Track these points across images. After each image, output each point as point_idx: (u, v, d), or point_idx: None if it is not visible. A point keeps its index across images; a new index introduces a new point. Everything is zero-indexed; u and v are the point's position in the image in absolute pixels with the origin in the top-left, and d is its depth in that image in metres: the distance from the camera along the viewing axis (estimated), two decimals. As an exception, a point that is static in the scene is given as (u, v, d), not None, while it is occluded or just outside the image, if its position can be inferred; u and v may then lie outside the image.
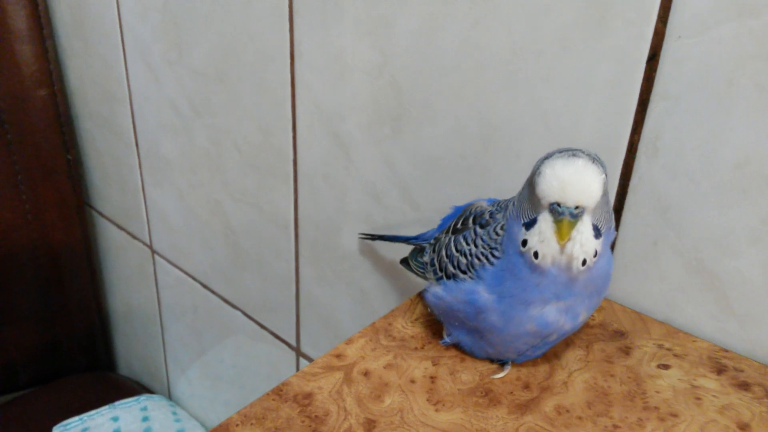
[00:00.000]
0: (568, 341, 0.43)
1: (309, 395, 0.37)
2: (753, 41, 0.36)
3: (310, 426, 0.35)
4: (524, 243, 0.34)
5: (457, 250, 0.39)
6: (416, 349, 0.42)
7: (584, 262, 0.33)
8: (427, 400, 0.37)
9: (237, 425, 0.35)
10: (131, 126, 0.90)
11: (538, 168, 0.33)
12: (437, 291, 0.40)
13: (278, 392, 0.37)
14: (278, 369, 0.84)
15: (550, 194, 0.32)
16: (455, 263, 0.39)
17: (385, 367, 0.40)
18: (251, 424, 0.35)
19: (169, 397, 1.14)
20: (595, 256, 0.33)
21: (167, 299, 1.02)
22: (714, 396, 0.38)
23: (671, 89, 0.40)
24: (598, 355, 0.41)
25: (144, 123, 0.87)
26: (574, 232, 0.32)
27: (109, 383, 1.14)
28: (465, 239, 0.38)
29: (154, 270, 1.01)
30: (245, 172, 0.74)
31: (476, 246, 0.37)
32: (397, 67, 0.53)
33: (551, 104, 0.45)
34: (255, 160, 0.72)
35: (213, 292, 0.90)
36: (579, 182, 0.32)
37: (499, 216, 0.37)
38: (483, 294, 0.36)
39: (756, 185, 0.39)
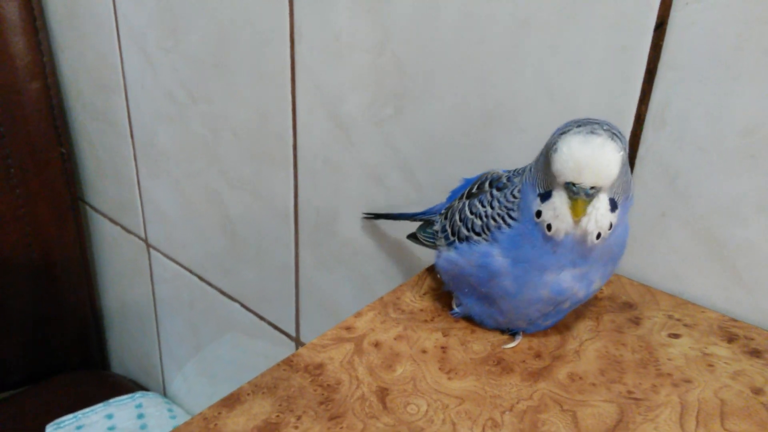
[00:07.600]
0: (578, 313, 0.42)
1: (320, 365, 0.37)
2: (761, 4, 0.36)
3: (322, 394, 0.34)
4: (538, 214, 0.33)
5: (471, 213, 0.38)
6: (426, 321, 0.41)
7: (599, 236, 0.33)
8: (440, 368, 0.37)
9: (248, 394, 0.34)
10: (126, 116, 0.89)
11: (555, 143, 0.32)
12: (450, 255, 0.39)
13: (289, 363, 0.37)
14: (277, 361, 0.84)
15: (566, 174, 0.31)
16: (469, 225, 0.38)
17: (395, 339, 0.39)
18: (262, 393, 0.34)
19: (165, 394, 1.13)
20: (610, 228, 0.33)
21: (163, 294, 1.01)
22: (726, 363, 0.38)
23: (679, 58, 0.40)
24: (608, 325, 0.41)
25: (139, 113, 0.86)
26: (589, 208, 0.32)
27: (103, 381, 1.13)
28: (480, 202, 0.38)
29: (149, 264, 1.00)
30: (243, 159, 0.73)
31: (492, 208, 0.37)
32: (399, 44, 0.53)
33: (556, 76, 0.45)
34: (253, 147, 0.71)
35: (210, 284, 0.89)
36: (596, 163, 0.30)
37: (516, 180, 0.37)
38: (498, 258, 0.36)
39: (765, 151, 0.39)
